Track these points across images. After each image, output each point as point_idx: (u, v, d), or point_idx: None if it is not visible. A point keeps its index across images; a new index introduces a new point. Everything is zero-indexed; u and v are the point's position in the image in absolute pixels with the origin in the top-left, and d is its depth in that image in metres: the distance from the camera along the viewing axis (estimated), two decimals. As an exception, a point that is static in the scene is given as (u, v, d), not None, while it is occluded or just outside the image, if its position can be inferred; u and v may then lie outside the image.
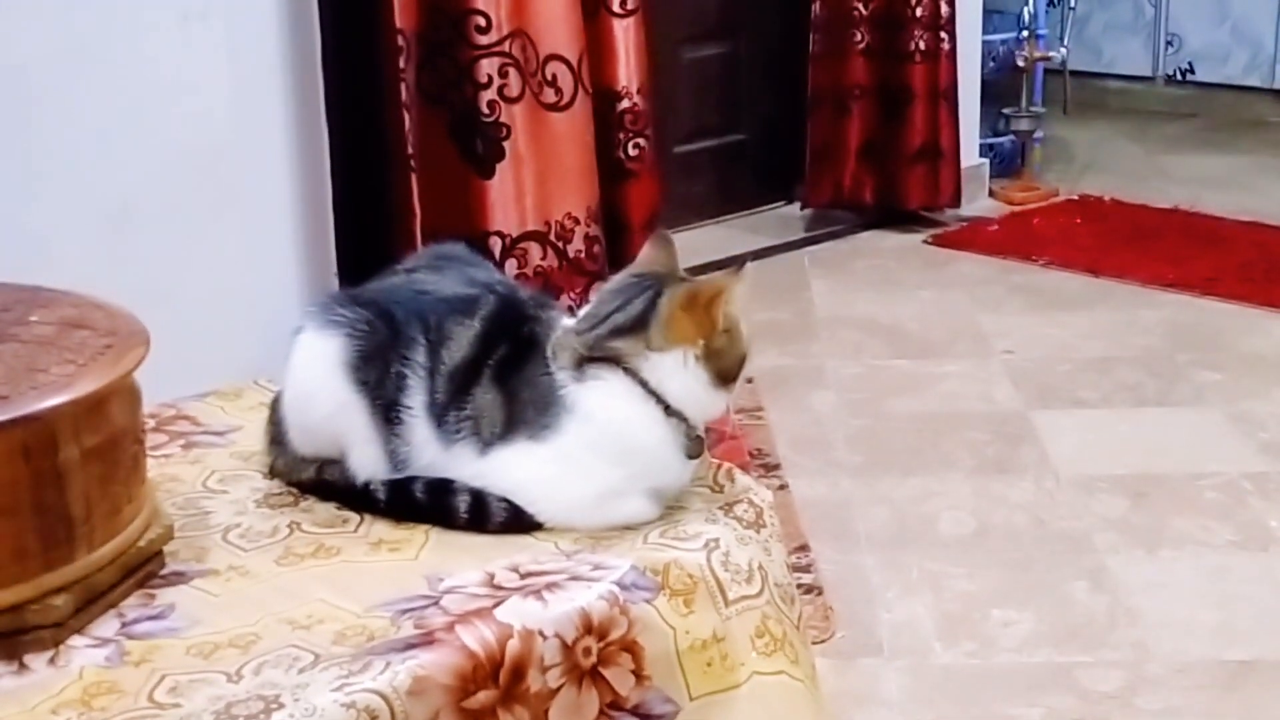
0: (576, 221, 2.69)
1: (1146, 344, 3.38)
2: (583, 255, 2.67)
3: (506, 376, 1.35)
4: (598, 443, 1.32)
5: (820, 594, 2.33)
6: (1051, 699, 2.04)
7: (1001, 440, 2.89)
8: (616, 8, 2.90)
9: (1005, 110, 4.64)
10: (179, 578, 1.24)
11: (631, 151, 2.98)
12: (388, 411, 1.35)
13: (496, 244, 2.59)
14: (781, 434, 2.94)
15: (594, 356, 1.33)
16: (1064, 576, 2.36)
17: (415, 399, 1.35)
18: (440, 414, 1.35)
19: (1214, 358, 3.28)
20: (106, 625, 1.17)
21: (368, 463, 1.36)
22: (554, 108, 2.66)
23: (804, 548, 2.46)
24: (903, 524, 2.57)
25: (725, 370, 1.35)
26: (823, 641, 2.19)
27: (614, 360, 1.33)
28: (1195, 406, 3.05)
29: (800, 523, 2.55)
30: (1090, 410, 3.05)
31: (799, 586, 2.36)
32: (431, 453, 1.35)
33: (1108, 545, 2.46)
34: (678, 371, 1.33)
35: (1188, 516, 2.56)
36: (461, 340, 1.37)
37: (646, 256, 1.43)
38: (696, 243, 4.10)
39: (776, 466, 2.80)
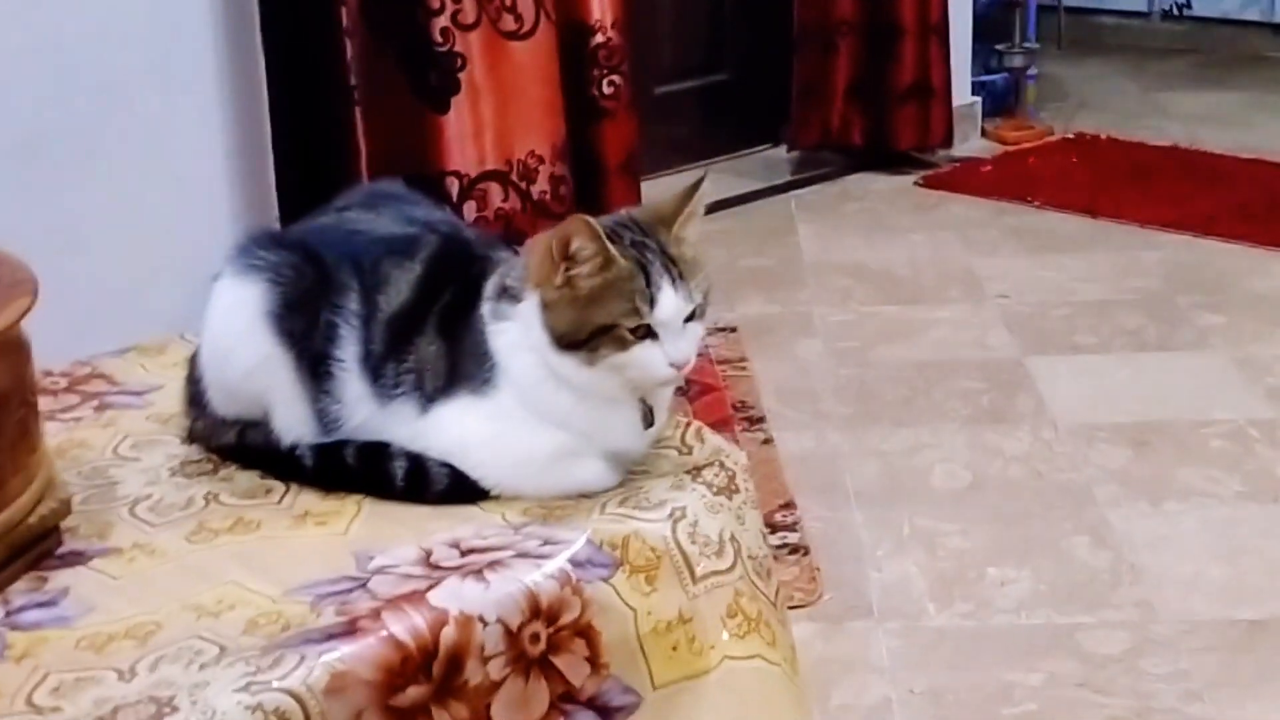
0: (541, 160, 2.52)
1: (1146, 286, 3.25)
2: (548, 196, 2.51)
3: (452, 325, 1.21)
4: (524, 396, 1.18)
5: (806, 554, 2.21)
6: (1052, 663, 1.93)
7: (996, 389, 2.76)
8: (588, -65, 2.74)
9: (998, 47, 4.47)
10: (76, 558, 1.10)
11: (606, 89, 2.83)
12: (316, 365, 1.22)
13: (454, 185, 2.42)
14: (767, 385, 2.81)
15: (506, 289, 1.19)
16: (1064, 532, 2.24)
17: (347, 351, 1.21)
18: (376, 367, 1.21)
19: (1216, 300, 3.14)
20: (-12, 614, 1.03)
21: (294, 424, 1.22)
22: (514, 35, 2.49)
23: (790, 505, 2.34)
24: (893, 478, 2.44)
25: (556, 330, 1.15)
26: (809, 604, 2.08)
27: (515, 298, 1.18)
28: (1198, 351, 2.92)
29: (786, 478, 2.43)
30: (1089, 356, 2.92)
31: (784, 546, 2.25)
32: (366, 411, 1.21)
33: (1109, 498, 2.34)
34: (532, 317, 1.17)
35: (1193, 466, 2.43)
36: (400, 284, 1.23)
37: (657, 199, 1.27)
38: (679, 187, 3.96)
39: (761, 419, 2.67)
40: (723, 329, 3.04)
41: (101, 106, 2.24)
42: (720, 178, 4.10)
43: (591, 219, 1.16)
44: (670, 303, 1.15)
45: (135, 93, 2.27)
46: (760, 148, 4.28)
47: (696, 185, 1.21)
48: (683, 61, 4.13)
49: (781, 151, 4.19)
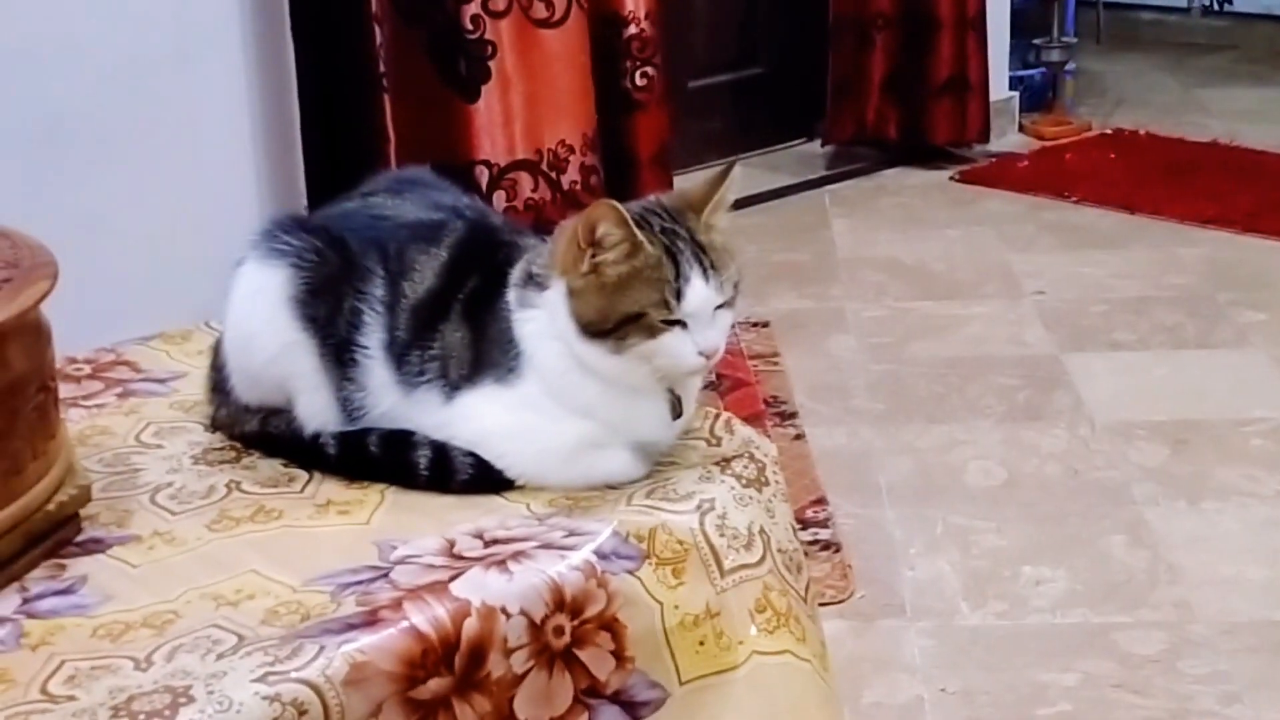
0: (571, 150, 2.50)
1: (1185, 283, 3.20)
2: (579, 186, 2.48)
3: (477, 311, 1.19)
4: (550, 385, 1.15)
5: (838, 551, 2.18)
6: (1087, 663, 1.90)
7: (1033, 385, 2.72)
8: (622, -73, 2.72)
9: (1036, 41, 4.43)
10: (95, 546, 1.08)
11: (639, 81, 2.81)
12: (340, 352, 1.20)
13: (483, 174, 2.40)
14: (799, 380, 2.78)
15: (532, 276, 1.16)
16: (1100, 531, 2.21)
17: (372, 337, 1.19)
18: (401, 354, 1.19)
19: (1257, 297, 3.10)
20: (6, 601, 1.01)
21: (317, 412, 1.20)
22: (545, 24, 2.46)
23: (821, 501, 2.31)
24: (927, 475, 2.41)
25: (583, 318, 1.12)
26: (841, 602, 2.05)
27: (542, 285, 1.16)
28: (1238, 348, 2.87)
29: (818, 474, 2.40)
30: (1127, 353, 2.87)
31: (815, 543, 2.22)
32: (390, 399, 1.19)
33: (1147, 496, 2.31)
34: (558, 305, 1.14)
35: (1232, 465, 2.39)
36: (426, 271, 1.20)
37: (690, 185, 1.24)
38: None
39: (793, 415, 2.64)
40: (755, 324, 3.02)
41: (128, 93, 2.23)
42: (754, 172, 4.08)
43: (619, 204, 1.13)
44: (700, 292, 1.13)
45: (163, 79, 2.25)
46: (795, 142, 4.25)
47: (726, 172, 1.19)
48: (717, 55, 4.11)
49: (816, 146, 4.16)
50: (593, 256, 1.13)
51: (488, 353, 1.18)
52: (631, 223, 1.12)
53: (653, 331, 1.12)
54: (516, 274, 1.19)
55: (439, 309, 1.20)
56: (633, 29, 2.78)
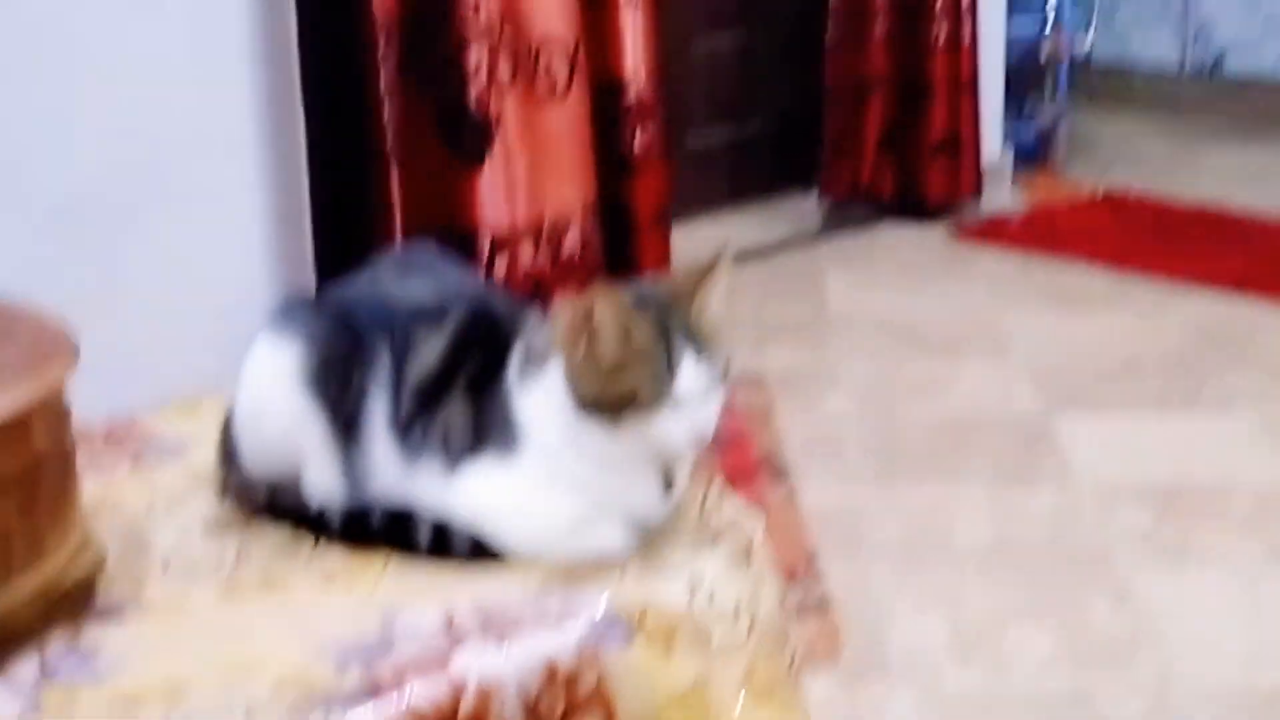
0: (571, 218, 2.56)
1: (1173, 345, 3.26)
2: (577, 254, 2.54)
3: (480, 388, 1.24)
4: (547, 460, 1.21)
5: (827, 609, 2.22)
6: (1070, 727, 1.93)
7: (1021, 446, 2.77)
8: (625, -5, 2.79)
9: (1029, 101, 4.50)
10: (111, 615, 1.13)
11: (638, 144, 2.87)
12: (347, 426, 1.25)
13: (485, 242, 2.45)
14: (792, 437, 2.83)
15: (533, 354, 1.22)
16: (1085, 594, 2.25)
17: (377, 413, 1.25)
18: (405, 429, 1.24)
19: (1244, 360, 3.15)
20: (25, 670, 1.06)
21: (323, 485, 1.25)
22: (548, 97, 2.53)
23: (811, 559, 2.35)
24: (916, 535, 2.46)
25: (580, 396, 1.17)
26: (829, 660, 2.09)
27: (541, 363, 1.21)
28: (1225, 412, 2.92)
29: (808, 532, 2.45)
30: (1115, 414, 2.93)
31: (805, 601, 2.27)
32: (393, 473, 1.24)
33: (1132, 560, 2.35)
34: (557, 382, 1.20)
35: (1217, 531, 2.44)
36: (430, 349, 1.26)
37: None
38: (710, 235, 4.00)
39: (786, 472, 2.69)
40: (749, 379, 3.07)
41: (144, 168, 2.29)
42: (752, 225, 4.16)
43: (615, 289, 1.19)
44: (691, 375, 1.18)
45: (179, 155, 2.31)
46: (791, 196, 4.31)
47: (720, 257, 1.24)
48: (717, 110, 4.18)
49: (813, 201, 4.22)
50: (589, 338, 1.18)
51: (488, 428, 1.23)
52: (626, 307, 1.18)
53: (646, 412, 1.18)
54: (518, 352, 1.25)
55: (442, 386, 1.25)
56: (632, 93, 2.84)
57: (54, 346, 1.12)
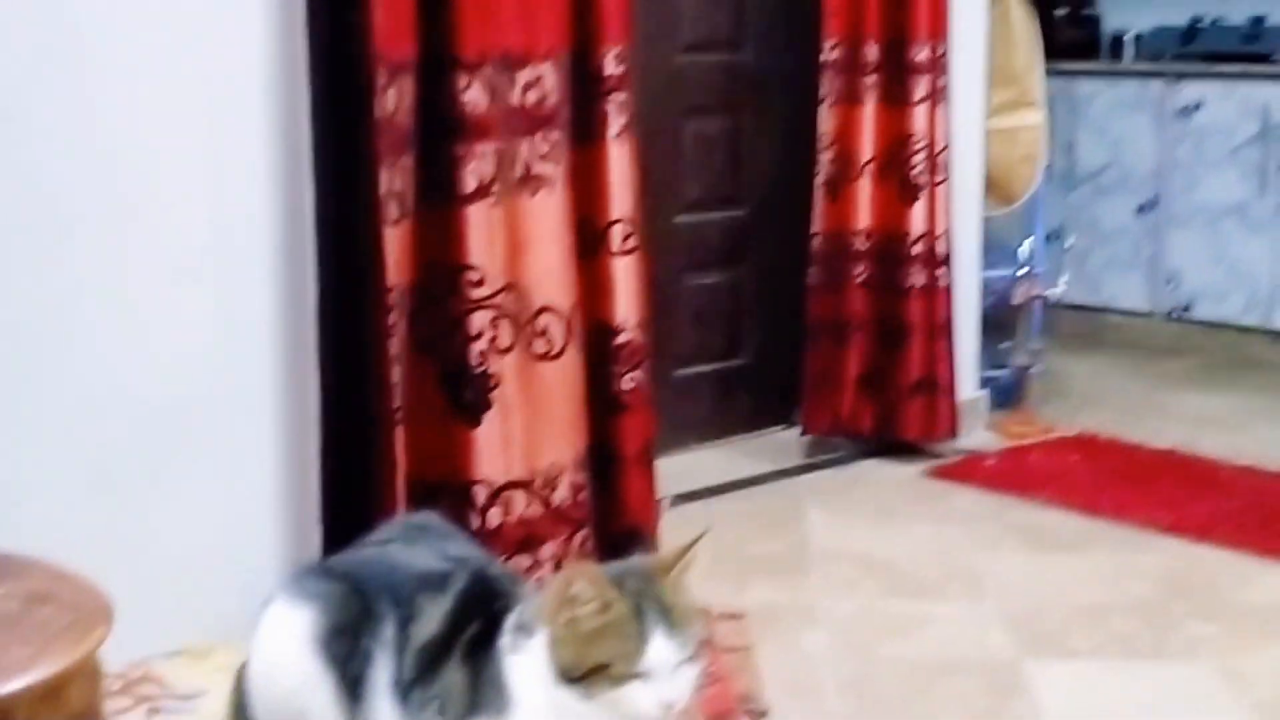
0: (563, 469, 2.69)
1: (1141, 591, 3.35)
2: (568, 503, 2.67)
3: (476, 655, 1.35)
4: None
5: None
6: None
7: (993, 692, 2.84)
8: (616, 246, 2.96)
9: (1003, 344, 4.68)
10: None
11: (627, 385, 3.01)
12: (354, 688, 1.34)
13: (480, 492, 2.59)
14: (771, 677, 2.89)
15: (523, 624, 1.33)
16: (1052, 845, 2.30)
17: (382, 675, 1.35)
18: (406, 691, 1.34)
19: (1208, 608, 3.24)
20: None
21: (331, 742, 1.34)
22: (544, 358, 2.69)
23: (787, 802, 2.40)
24: (889, 780, 2.50)
25: (559, 665, 1.28)
26: None
27: (530, 632, 1.32)
28: (1188, 661, 3.00)
29: (785, 774, 2.50)
30: (1082, 661, 3.00)
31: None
32: (396, 734, 1.33)
33: (1098, 812, 2.40)
34: (541, 651, 1.31)
35: (1180, 782, 2.50)
36: (432, 616, 1.37)
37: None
38: (695, 466, 4.12)
39: (764, 714, 2.74)
40: (729, 615, 3.15)
41: (171, 435, 2.45)
42: (735, 458, 4.28)
43: (593, 566, 1.31)
44: (662, 648, 1.29)
45: (201, 422, 2.48)
46: (775, 429, 4.45)
47: (697, 539, 1.36)
48: (703, 347, 4.34)
49: (795, 434, 4.34)
50: (569, 611, 1.29)
51: (482, 693, 1.33)
52: (604, 582, 1.30)
53: (618, 681, 1.28)
54: (511, 621, 1.35)
55: (442, 651, 1.35)
56: (623, 337, 2.99)
57: (92, 612, 1.22)
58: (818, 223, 4.15)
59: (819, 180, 4.13)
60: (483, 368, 2.59)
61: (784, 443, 4.37)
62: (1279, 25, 5.63)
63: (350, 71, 2.44)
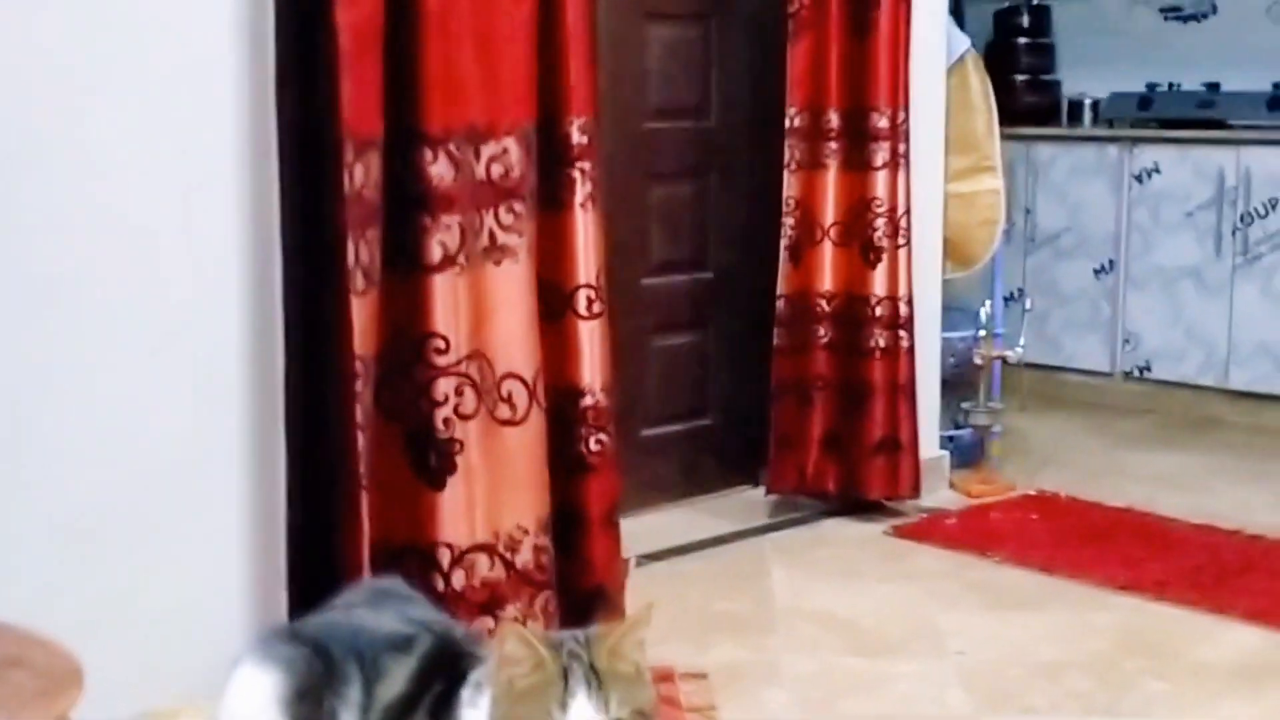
0: (526, 532, 2.74)
1: (1098, 648, 3.41)
2: (530, 566, 2.72)
3: (440, 713, 1.40)
4: None
5: None
6: None
7: (950, 750, 2.89)
8: (583, 310, 3.03)
9: (964, 404, 4.76)
10: None
11: (593, 447, 3.06)
12: (318, 748, 1.39)
13: (445, 555, 2.64)
14: (733, 735, 2.94)
15: (479, 682, 1.39)
16: None
17: (347, 735, 1.39)
18: (370, 753, 1.39)
19: (1163, 666, 3.30)
20: None
21: (295, 804, 1.39)
22: (508, 423, 2.75)
23: None
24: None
25: None
26: None
27: (483, 691, 1.38)
28: (1144, 718, 3.05)
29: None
30: (1040, 718, 3.05)
31: None
32: (358, 795, 1.38)
33: None
34: (487, 705, 1.37)
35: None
36: (398, 677, 1.42)
37: None
38: (661, 525, 4.18)
39: (726, 772, 2.79)
40: (693, 675, 3.19)
41: (144, 499, 2.51)
42: (700, 518, 4.33)
43: (523, 628, 1.38)
44: (583, 707, 1.35)
45: (171, 483, 2.53)
46: (740, 488, 4.51)
47: (646, 611, 1.42)
48: (669, 407, 4.41)
49: (760, 493, 4.40)
50: (508, 669, 1.36)
51: (446, 751, 1.38)
52: (535, 643, 1.36)
53: None
54: (471, 679, 1.41)
55: (407, 710, 1.41)
56: (589, 400, 3.05)
57: (63, 676, 1.27)
58: (782, 285, 4.23)
59: (783, 244, 4.22)
60: (447, 433, 2.65)
61: (749, 502, 4.43)
62: (1233, 91, 5.77)
63: (319, 147, 2.52)
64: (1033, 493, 4.61)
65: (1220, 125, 5.63)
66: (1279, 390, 5.42)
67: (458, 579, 2.61)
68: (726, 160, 4.42)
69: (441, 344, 2.66)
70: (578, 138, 3.00)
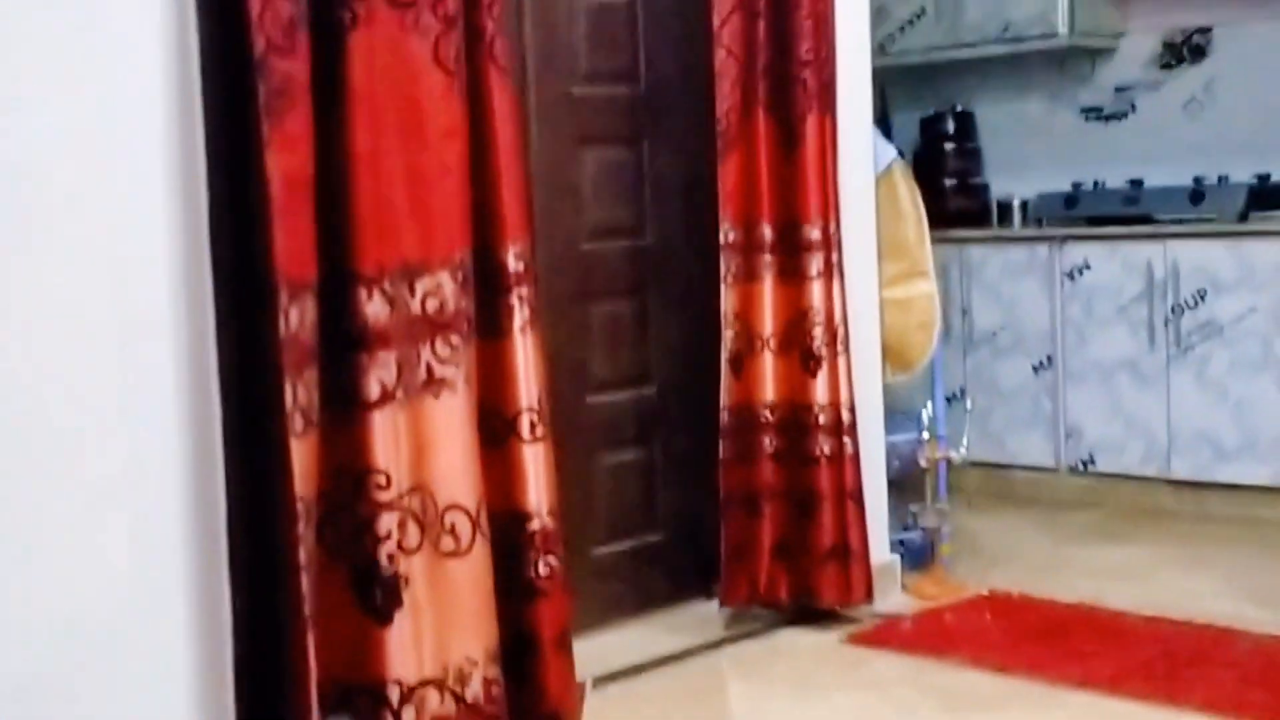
0: (475, 664, 2.74)
1: (1055, 749, 3.42)
2: (481, 699, 2.71)
3: None
4: None
5: None
6: None
7: None
8: (526, 435, 3.05)
9: (912, 507, 4.79)
10: None
11: (542, 571, 3.06)
12: None
13: (394, 691, 2.62)
14: None
15: None
16: None
17: None
18: None
19: (1120, 763, 3.32)
20: None
21: None
22: (452, 555, 2.76)
23: None
24: None
25: None
26: None
27: None
28: (1102, 819, 3.06)
29: None
30: (1000, 825, 3.06)
31: None
32: None
33: None
34: None
35: None
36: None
37: None
38: (615, 644, 4.15)
39: None
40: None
41: (83, 645, 2.49)
42: (655, 634, 4.31)
43: None
44: None
45: (116, 632, 2.51)
46: (694, 602, 4.49)
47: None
48: (619, 523, 4.40)
49: (713, 607, 4.39)
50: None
51: None
52: None
53: None
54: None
55: None
56: (536, 523, 3.06)
57: None
58: (725, 397, 4.27)
59: (724, 356, 4.26)
60: (392, 569, 2.65)
61: (703, 615, 4.41)
62: (1157, 187, 5.91)
63: (254, 292, 2.54)
64: (985, 592, 4.63)
65: (1146, 220, 5.76)
66: (1220, 478, 5.49)
67: (408, 716, 2.60)
68: (664, 276, 4.47)
69: (382, 480, 2.67)
70: (514, 264, 3.04)
